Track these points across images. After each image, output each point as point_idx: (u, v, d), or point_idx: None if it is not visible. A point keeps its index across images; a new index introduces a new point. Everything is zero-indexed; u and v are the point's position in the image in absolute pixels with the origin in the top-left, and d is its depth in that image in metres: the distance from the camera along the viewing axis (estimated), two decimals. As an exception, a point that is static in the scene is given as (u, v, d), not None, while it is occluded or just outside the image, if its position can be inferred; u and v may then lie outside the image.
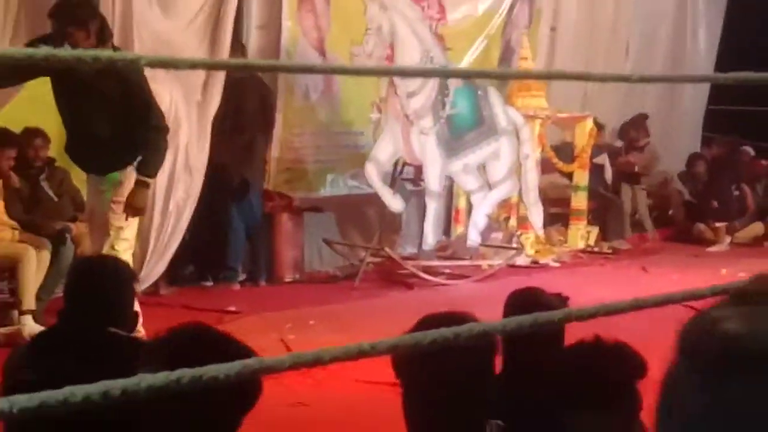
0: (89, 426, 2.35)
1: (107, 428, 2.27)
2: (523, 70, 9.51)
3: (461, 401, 2.25)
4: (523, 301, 3.36)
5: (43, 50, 1.03)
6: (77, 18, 5.97)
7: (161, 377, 1.12)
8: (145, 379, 1.11)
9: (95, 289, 3.46)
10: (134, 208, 6.25)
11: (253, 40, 9.12)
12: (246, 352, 1.97)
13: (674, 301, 1.65)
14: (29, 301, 6.74)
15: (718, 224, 12.09)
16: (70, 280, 3.82)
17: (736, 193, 12.49)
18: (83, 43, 5.95)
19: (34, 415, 1.02)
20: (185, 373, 1.14)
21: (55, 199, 7.60)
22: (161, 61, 1.10)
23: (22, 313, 6.68)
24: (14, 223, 7.13)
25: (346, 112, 9.80)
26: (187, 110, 8.15)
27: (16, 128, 7.47)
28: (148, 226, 8.10)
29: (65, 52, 1.12)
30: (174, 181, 8.12)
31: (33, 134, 7.53)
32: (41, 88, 6.78)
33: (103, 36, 6.11)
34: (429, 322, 2.16)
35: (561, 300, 3.40)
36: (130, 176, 6.22)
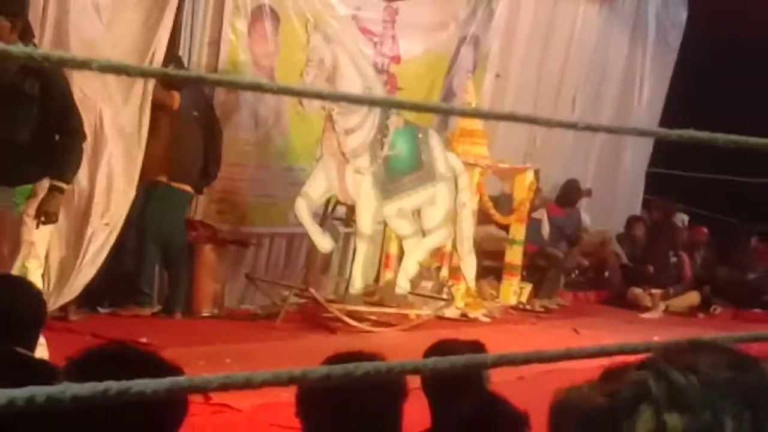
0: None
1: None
2: (472, 108, 9.60)
3: None
4: (440, 351, 3.40)
5: (-6, 45, 1.06)
6: (5, 8, 5.94)
7: (87, 387, 1.14)
8: (71, 388, 1.13)
9: (1, 308, 3.43)
10: (47, 213, 6.21)
11: (203, 56, 9.13)
12: (175, 372, 1.98)
13: (607, 353, 1.71)
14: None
15: (653, 291, 12.28)
16: None
17: (674, 259, 12.71)
18: (7, 35, 5.89)
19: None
20: (112, 386, 1.16)
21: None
22: (112, 66, 1.12)
23: None
24: None
25: (290, 147, 9.83)
26: (116, 127, 8.13)
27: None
28: (62, 245, 8.03)
29: (18, 48, 1.15)
30: (93, 200, 8.07)
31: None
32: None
33: (25, 33, 6.11)
34: (336, 361, 2.20)
35: (478, 348, 3.44)
36: (44, 186, 6.18)
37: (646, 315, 11.91)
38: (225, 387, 1.27)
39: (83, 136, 6.43)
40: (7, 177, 6.22)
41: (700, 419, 0.88)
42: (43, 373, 3.03)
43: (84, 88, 7.71)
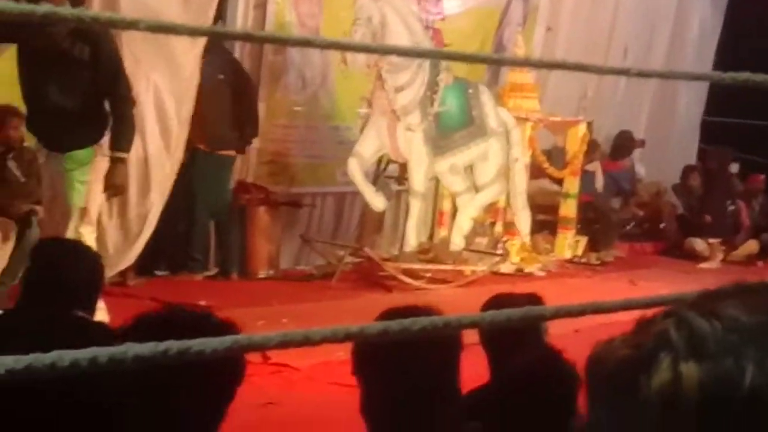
0: (76, 414, 2.39)
1: (94, 417, 2.29)
2: (521, 57, 9.54)
3: (427, 397, 2.29)
4: (497, 305, 3.41)
5: (45, 7, 1.06)
6: None
7: (149, 347, 1.16)
8: (132, 348, 1.14)
9: (60, 271, 3.46)
10: (115, 186, 6.31)
11: (250, 19, 9.14)
12: (230, 331, 1.99)
13: (663, 303, 1.69)
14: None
15: (711, 240, 12.18)
16: (32, 263, 3.81)
17: (731, 208, 12.58)
18: None
19: (22, 377, 1.05)
20: (172, 345, 1.18)
21: (23, 179, 7.57)
22: (160, 26, 1.13)
23: (-16, 298, 6.68)
24: (-22, 205, 7.14)
25: (336, 106, 9.84)
26: (168, 95, 8.19)
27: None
28: (115, 212, 8.14)
29: (66, 10, 1.15)
30: (149, 167, 8.17)
31: (7, 113, 7.44)
32: (8, 65, 6.79)
33: None
34: (391, 315, 2.20)
35: (535, 302, 3.44)
36: (99, 156, 6.23)
37: (704, 265, 11.82)
38: (284, 345, 1.28)
39: (133, 102, 6.45)
40: (59, 142, 6.30)
41: (719, 367, 0.87)
42: (103, 336, 3.07)
43: (136, 54, 7.78)
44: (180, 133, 8.38)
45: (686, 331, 0.89)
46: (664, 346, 0.88)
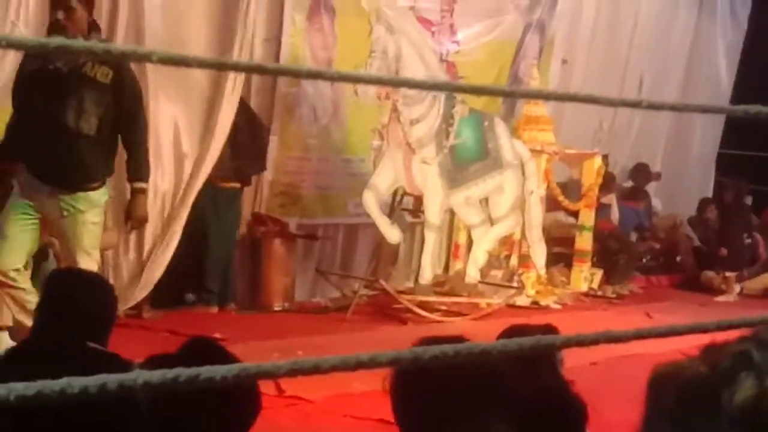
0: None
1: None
2: (534, 90, 9.55)
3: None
4: (512, 335, 3.40)
5: (57, 40, 1.07)
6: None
7: (158, 374, 1.16)
8: (141, 375, 1.14)
9: (73, 302, 3.47)
10: (138, 219, 6.14)
11: (258, 53, 9.19)
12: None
13: (678, 333, 1.69)
14: (6, 317, 6.74)
15: (728, 274, 12.13)
16: (46, 292, 3.82)
17: (748, 241, 12.54)
18: (84, 25, 5.89)
19: (32, 403, 1.06)
20: (182, 372, 1.18)
21: (39, 213, 7.61)
22: (172, 58, 1.13)
23: (0, 329, 6.68)
24: (-5, 238, 7.15)
25: (347, 138, 9.87)
26: (190, 131, 8.29)
27: None
28: (131, 246, 8.19)
29: (78, 43, 1.16)
30: (165, 201, 8.25)
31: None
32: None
33: (93, 27, 6.07)
34: (430, 343, 2.18)
35: (550, 331, 3.44)
36: (103, 197, 6.06)
37: (720, 298, 11.77)
38: (294, 372, 1.28)
39: (147, 133, 6.31)
40: (70, 177, 5.95)
41: None
42: (115, 367, 3.07)
43: (157, 85, 7.89)
44: (196, 167, 8.44)
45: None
46: (746, 366, 0.88)
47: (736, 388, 0.90)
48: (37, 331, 3.67)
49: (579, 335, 1.65)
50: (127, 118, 5.96)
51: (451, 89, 8.43)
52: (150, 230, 8.23)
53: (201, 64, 1.19)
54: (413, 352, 1.41)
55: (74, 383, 1.09)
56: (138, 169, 6.07)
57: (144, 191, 6.12)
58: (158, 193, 8.28)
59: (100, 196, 6.03)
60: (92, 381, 1.10)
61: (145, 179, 6.15)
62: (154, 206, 8.27)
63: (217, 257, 8.88)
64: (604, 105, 1.90)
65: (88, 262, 5.89)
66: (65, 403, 1.10)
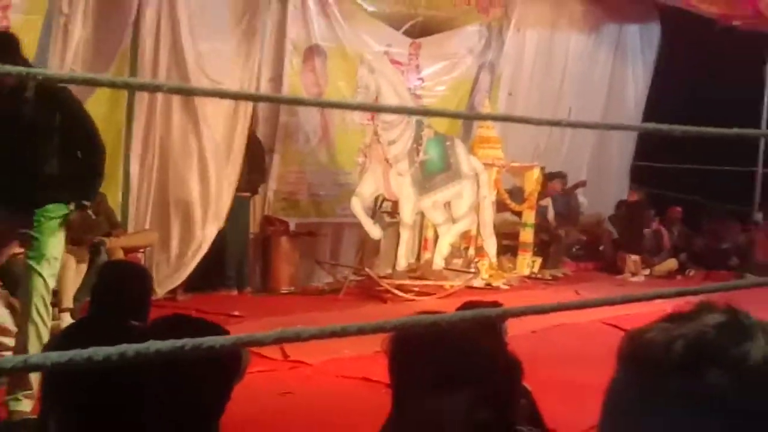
0: (111, 400, 2.37)
1: (125, 401, 2.27)
2: (482, 113, 9.62)
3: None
4: (467, 309, 3.37)
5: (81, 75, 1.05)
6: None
7: (168, 344, 1.14)
8: (154, 345, 1.13)
9: (118, 288, 3.44)
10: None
11: (265, 89, 9.19)
12: (222, 332, 1.99)
13: (589, 305, 1.69)
14: (68, 301, 6.72)
15: (633, 256, 12.13)
16: (98, 280, 3.79)
17: (647, 230, 12.54)
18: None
19: (66, 369, 1.04)
20: (188, 342, 1.16)
21: (93, 217, 7.55)
22: (179, 88, 1.12)
23: (61, 311, 6.64)
24: (59, 237, 7.11)
25: (337, 156, 9.85)
26: (224, 150, 8.31)
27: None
28: (175, 244, 8.21)
29: (105, 78, 1.14)
30: (199, 207, 8.28)
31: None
32: (99, 105, 6.79)
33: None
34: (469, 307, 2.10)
35: (496, 306, 3.41)
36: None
37: (633, 279, 11.79)
38: (279, 341, 1.26)
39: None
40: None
41: None
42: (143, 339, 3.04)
43: (196, 113, 7.91)
44: (227, 178, 8.45)
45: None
46: (758, 327, 0.80)
47: (749, 348, 0.80)
48: (91, 311, 3.64)
49: (511, 308, 1.64)
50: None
51: (418, 113, 8.44)
52: (184, 233, 8.24)
53: (203, 93, 1.17)
54: (380, 324, 1.39)
55: (99, 351, 1.07)
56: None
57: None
58: (190, 202, 8.28)
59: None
60: (114, 350, 1.08)
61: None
62: (188, 213, 8.28)
63: (234, 251, 8.86)
64: (533, 124, 1.89)
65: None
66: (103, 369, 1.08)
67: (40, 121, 4.54)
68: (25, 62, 4.60)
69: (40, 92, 4.54)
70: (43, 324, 4.64)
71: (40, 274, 4.62)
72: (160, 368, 1.83)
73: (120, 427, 2.28)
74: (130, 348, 1.09)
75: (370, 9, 9.98)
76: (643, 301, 1.76)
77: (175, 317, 2.21)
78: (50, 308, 4.77)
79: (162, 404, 2.03)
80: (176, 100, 7.92)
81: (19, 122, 4.51)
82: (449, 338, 1.98)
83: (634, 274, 11.91)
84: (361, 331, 1.29)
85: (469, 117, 10.21)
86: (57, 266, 4.79)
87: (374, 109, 8.18)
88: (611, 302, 1.77)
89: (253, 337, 1.24)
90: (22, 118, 4.50)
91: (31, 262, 4.64)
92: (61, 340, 3.38)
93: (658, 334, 0.82)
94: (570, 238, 12.27)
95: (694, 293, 1.73)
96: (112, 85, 1.04)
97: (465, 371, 2.01)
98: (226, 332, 1.90)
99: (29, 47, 6.99)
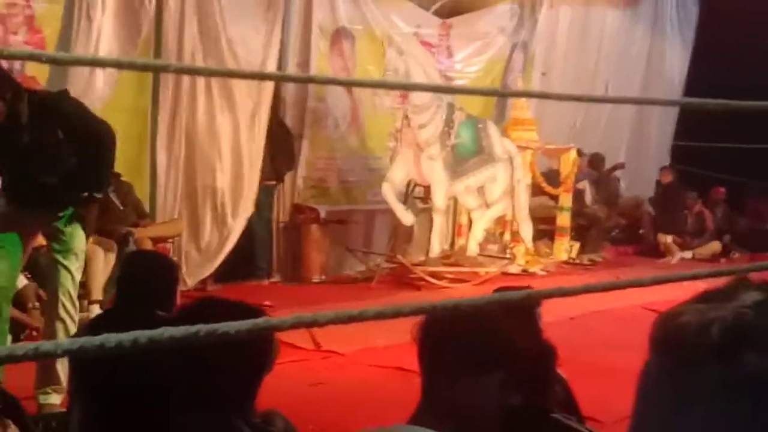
0: (137, 391, 2.39)
1: (151, 392, 2.29)
2: (512, 90, 9.56)
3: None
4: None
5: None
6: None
7: (181, 330, 1.14)
8: (167, 331, 1.13)
9: (143, 279, 3.46)
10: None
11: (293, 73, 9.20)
12: (258, 314, 1.99)
13: (619, 287, 1.67)
14: (97, 292, 6.79)
15: (669, 238, 12.03)
16: (123, 271, 3.82)
17: (685, 212, 12.44)
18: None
19: (78, 356, 1.05)
20: (201, 328, 1.16)
21: (121, 208, 7.64)
22: (188, 69, 1.12)
23: (91, 302, 6.73)
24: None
25: (368, 141, 9.85)
26: (247, 135, 8.34)
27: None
28: (205, 234, 8.28)
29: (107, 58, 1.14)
30: (227, 198, 8.33)
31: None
32: (107, 116, 6.83)
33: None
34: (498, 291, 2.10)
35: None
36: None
37: (673, 260, 11.70)
38: (296, 325, 1.27)
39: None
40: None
41: None
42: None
43: (218, 98, 7.93)
44: (252, 168, 8.49)
45: None
46: None
47: None
48: (117, 301, 3.67)
49: (537, 291, 1.63)
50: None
51: (446, 91, 8.39)
52: (213, 222, 8.30)
53: (211, 73, 1.17)
54: (396, 308, 1.39)
55: (111, 338, 1.08)
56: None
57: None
58: (218, 190, 8.33)
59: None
60: (126, 336, 1.09)
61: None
62: (216, 201, 8.33)
63: (262, 240, 8.90)
64: (554, 99, 1.87)
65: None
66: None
67: (43, 141, 4.49)
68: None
69: (35, 114, 4.43)
70: (70, 319, 4.72)
71: (68, 269, 4.71)
72: (185, 356, 1.84)
73: (145, 417, 2.31)
74: (142, 334, 1.10)
75: (398, -11, 9.96)
76: (674, 282, 1.73)
77: (204, 301, 2.22)
78: (77, 302, 4.83)
79: (187, 393, 2.04)
80: (201, 87, 7.97)
81: (20, 148, 4.47)
82: (479, 322, 1.97)
83: (666, 255, 11.81)
84: (379, 315, 1.29)
85: (502, 94, 10.18)
86: (83, 258, 4.88)
87: (406, 87, 8.15)
88: (639, 284, 1.75)
89: (270, 322, 1.24)
90: (21, 143, 4.45)
91: (57, 256, 4.72)
92: (87, 331, 3.42)
93: (693, 316, 0.80)
94: (609, 222, 12.18)
95: (729, 274, 1.71)
96: (118, 65, 1.04)
97: (496, 355, 2.00)
98: (263, 314, 1.90)
99: (51, 37, 7.10)
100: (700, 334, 0.78)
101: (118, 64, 0.98)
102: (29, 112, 4.43)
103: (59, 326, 4.65)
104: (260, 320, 1.24)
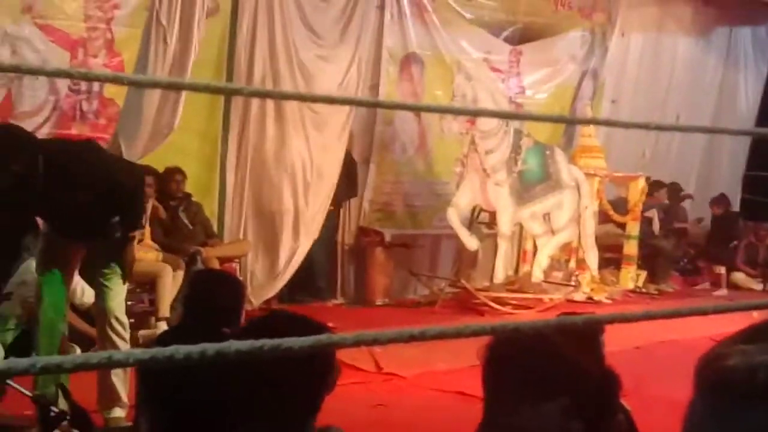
0: (202, 404, 2.44)
1: (215, 405, 2.34)
2: (579, 116, 9.47)
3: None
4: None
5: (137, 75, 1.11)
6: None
7: (247, 344, 1.18)
8: (234, 344, 1.17)
9: (210, 297, 3.51)
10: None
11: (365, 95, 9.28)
12: (322, 331, 2.02)
13: (680, 314, 1.67)
14: (165, 310, 6.90)
15: (719, 269, 11.81)
16: (190, 289, 3.89)
17: (735, 243, 12.17)
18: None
19: (145, 366, 1.09)
20: (266, 343, 1.20)
21: (190, 227, 7.78)
22: (260, 92, 1.16)
23: (158, 319, 6.83)
24: (157, 246, 7.33)
25: (434, 166, 9.89)
26: (321, 160, 8.44)
27: (160, 167, 7.65)
28: (266, 256, 8.37)
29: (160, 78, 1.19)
30: (291, 222, 8.42)
31: (174, 171, 7.72)
32: (180, 138, 6.98)
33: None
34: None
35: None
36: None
37: (716, 293, 11.40)
38: (358, 343, 1.30)
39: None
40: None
41: None
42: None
43: (294, 121, 8.04)
44: (322, 189, 8.57)
45: None
46: None
47: None
48: (184, 318, 3.73)
49: (596, 316, 1.64)
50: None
51: (515, 117, 8.39)
52: (279, 243, 8.40)
53: (282, 96, 1.21)
54: (456, 329, 1.41)
55: (181, 350, 1.12)
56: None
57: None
58: (285, 212, 8.43)
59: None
60: (195, 348, 1.13)
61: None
62: (282, 223, 8.42)
63: (323, 262, 8.98)
64: (620, 127, 1.88)
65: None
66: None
67: (62, 194, 4.36)
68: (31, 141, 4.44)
69: (49, 171, 4.30)
70: (121, 339, 4.80)
71: (114, 290, 4.80)
72: (248, 371, 1.88)
73: (209, 428, 2.36)
74: (211, 347, 1.14)
75: (469, 16, 10.00)
76: (738, 311, 1.73)
77: (272, 314, 2.26)
78: (126, 322, 4.89)
79: (250, 406, 2.08)
80: (270, 111, 8.09)
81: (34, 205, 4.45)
82: (544, 347, 1.98)
83: (714, 286, 11.58)
84: (440, 335, 1.32)
85: (569, 121, 10.13)
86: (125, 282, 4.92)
87: (474, 113, 8.17)
88: (701, 312, 1.74)
89: (332, 339, 1.28)
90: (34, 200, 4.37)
91: (102, 280, 4.81)
92: (154, 346, 3.48)
93: (740, 360, 0.80)
94: (677, 252, 12.01)
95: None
96: (193, 88, 1.09)
97: (559, 381, 2.01)
98: (327, 331, 1.94)
99: (130, 61, 7.30)
100: (748, 378, 0.78)
101: (193, 87, 1.03)
102: (44, 170, 4.29)
103: (109, 348, 4.72)
104: (323, 336, 1.27)
